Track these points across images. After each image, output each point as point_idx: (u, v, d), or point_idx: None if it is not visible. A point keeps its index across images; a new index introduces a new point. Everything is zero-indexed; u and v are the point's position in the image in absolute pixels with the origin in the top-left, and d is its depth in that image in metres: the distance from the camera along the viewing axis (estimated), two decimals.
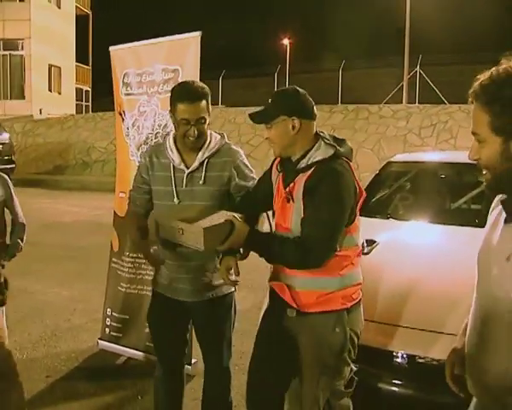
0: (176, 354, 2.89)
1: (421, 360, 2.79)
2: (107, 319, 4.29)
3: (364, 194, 2.29)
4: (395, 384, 2.84)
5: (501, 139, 1.47)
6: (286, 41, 38.51)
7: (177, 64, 3.73)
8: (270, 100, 2.29)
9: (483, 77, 1.51)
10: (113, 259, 4.30)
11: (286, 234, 2.24)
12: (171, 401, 2.94)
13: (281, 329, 2.36)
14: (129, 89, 4.08)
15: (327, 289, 2.22)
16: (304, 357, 2.31)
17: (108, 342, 4.26)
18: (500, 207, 1.59)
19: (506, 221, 1.55)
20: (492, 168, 1.52)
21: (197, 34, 3.60)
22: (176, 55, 3.76)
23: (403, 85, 22.76)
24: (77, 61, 30.76)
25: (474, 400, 1.72)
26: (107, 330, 4.28)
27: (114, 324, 4.24)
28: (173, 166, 2.62)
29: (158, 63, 3.85)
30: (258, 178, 2.62)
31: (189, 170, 2.60)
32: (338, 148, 2.23)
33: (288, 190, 2.26)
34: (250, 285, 6.11)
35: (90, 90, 32.80)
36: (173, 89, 2.65)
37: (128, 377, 3.94)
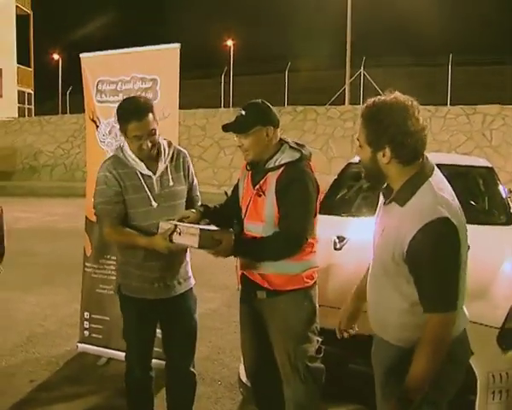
0: (151, 354, 3.06)
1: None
2: (85, 322, 4.35)
3: (323, 190, 2.72)
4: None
5: (371, 149, 1.97)
6: (230, 42, 38.41)
7: (155, 74, 3.87)
8: (242, 112, 2.60)
9: (369, 102, 1.97)
10: (86, 264, 4.37)
11: (259, 227, 2.57)
12: (150, 399, 3.13)
13: (255, 309, 2.73)
14: (103, 96, 4.18)
15: (295, 272, 2.59)
16: (279, 331, 2.65)
17: (89, 344, 4.34)
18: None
19: (384, 204, 2.10)
20: (365, 167, 2.06)
21: (177, 46, 3.76)
22: (153, 66, 3.89)
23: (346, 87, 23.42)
24: (18, 62, 29.81)
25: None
26: (87, 332, 4.35)
27: (94, 326, 4.31)
28: (141, 174, 2.79)
29: (134, 72, 3.97)
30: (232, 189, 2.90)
31: (158, 174, 2.80)
32: (303, 152, 2.60)
33: (258, 186, 2.60)
34: (215, 285, 6.30)
35: (32, 92, 31.83)
36: (117, 112, 2.79)
37: (111, 377, 4.03)
